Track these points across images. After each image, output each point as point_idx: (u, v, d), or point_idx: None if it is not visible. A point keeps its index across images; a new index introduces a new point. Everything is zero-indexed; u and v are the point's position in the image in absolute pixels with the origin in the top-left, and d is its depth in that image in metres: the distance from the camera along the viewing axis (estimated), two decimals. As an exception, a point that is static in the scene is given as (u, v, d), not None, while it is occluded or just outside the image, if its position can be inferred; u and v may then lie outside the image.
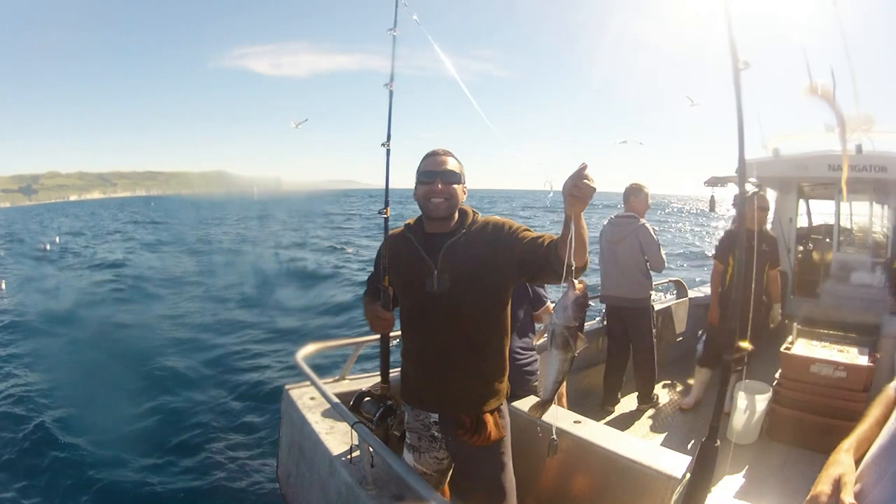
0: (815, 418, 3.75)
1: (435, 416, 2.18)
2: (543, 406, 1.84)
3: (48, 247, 23.74)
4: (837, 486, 1.09)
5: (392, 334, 2.44)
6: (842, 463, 1.14)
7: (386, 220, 2.42)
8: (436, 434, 2.20)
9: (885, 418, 1.21)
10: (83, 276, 15.76)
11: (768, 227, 6.72)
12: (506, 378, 2.21)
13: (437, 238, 2.09)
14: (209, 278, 15.36)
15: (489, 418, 2.14)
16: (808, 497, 1.11)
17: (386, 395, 2.37)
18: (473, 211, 2.17)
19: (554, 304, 1.68)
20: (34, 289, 14.01)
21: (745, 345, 1.31)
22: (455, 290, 2.01)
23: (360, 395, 2.36)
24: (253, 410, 6.23)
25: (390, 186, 2.59)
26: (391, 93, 2.48)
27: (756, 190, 4.48)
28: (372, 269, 2.40)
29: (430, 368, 2.13)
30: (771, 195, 6.78)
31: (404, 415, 2.30)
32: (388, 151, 2.52)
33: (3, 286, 15.58)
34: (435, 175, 2.05)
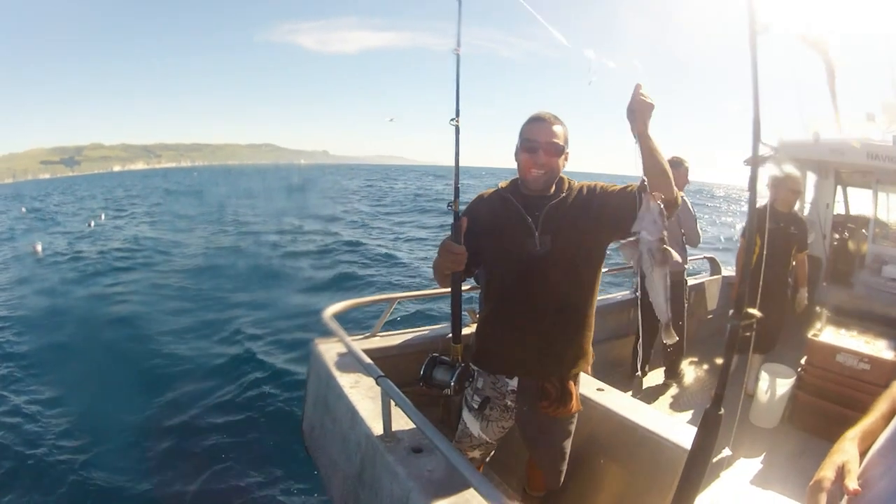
0: (836, 408, 3.72)
1: (513, 385, 2.18)
2: (669, 328, 1.80)
3: (92, 224, 23.62)
4: (841, 472, 1.10)
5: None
6: (846, 451, 1.15)
7: (455, 214, 2.10)
8: (509, 403, 2.21)
9: (891, 413, 1.22)
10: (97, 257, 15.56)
11: (805, 210, 6.62)
12: (591, 340, 2.24)
13: (537, 200, 2.08)
14: (233, 253, 15.44)
15: (573, 389, 2.19)
16: (812, 482, 1.11)
17: (457, 359, 2.25)
18: (568, 179, 2.16)
19: (638, 223, 1.66)
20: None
21: (754, 311, 1.32)
22: (556, 252, 2.02)
23: (431, 361, 2.21)
24: (277, 373, 6.40)
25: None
26: (458, 58, 2.17)
27: (773, 170, 4.42)
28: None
29: (521, 333, 2.11)
30: (810, 179, 6.66)
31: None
32: (458, 129, 2.19)
33: (40, 249, 15.89)
34: (539, 146, 2.01)
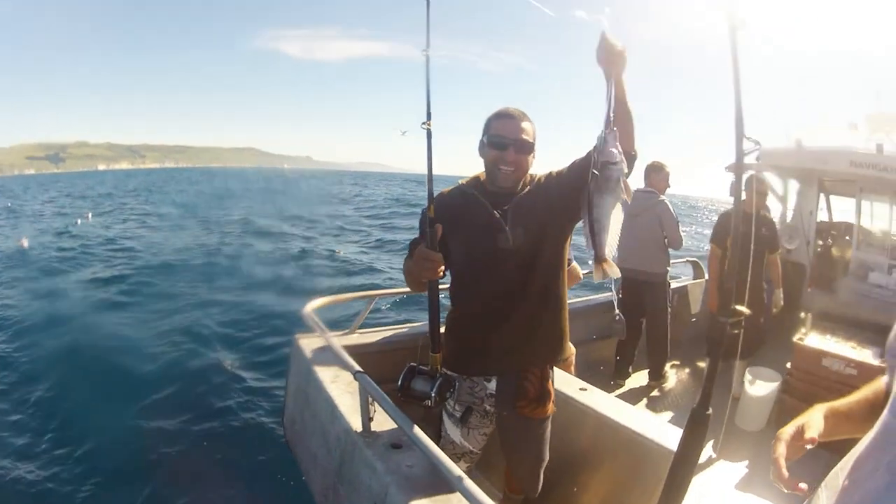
0: None
1: (491, 388, 2.14)
2: (609, 262, 1.69)
3: (79, 222, 22.81)
4: (801, 430, 1.19)
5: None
6: (809, 415, 1.25)
7: (431, 220, 1.95)
8: (488, 408, 2.17)
9: (868, 403, 1.25)
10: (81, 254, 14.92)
11: (788, 217, 6.68)
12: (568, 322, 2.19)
13: (503, 195, 2.03)
14: (210, 253, 14.73)
15: (551, 387, 2.17)
16: (775, 439, 1.21)
17: (437, 368, 2.10)
18: (531, 173, 2.11)
19: (600, 151, 1.62)
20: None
21: (742, 308, 1.30)
22: (528, 244, 1.99)
23: (409, 371, 2.06)
24: (260, 368, 6.33)
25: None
26: (428, 59, 2.06)
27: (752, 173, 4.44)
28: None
29: (501, 329, 2.06)
30: (793, 186, 6.72)
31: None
32: (430, 133, 2.07)
33: (26, 244, 15.59)
34: (509, 143, 1.95)
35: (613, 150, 1.60)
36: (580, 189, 1.77)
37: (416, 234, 2.15)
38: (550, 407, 2.19)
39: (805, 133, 6.14)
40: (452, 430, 2.23)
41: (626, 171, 1.63)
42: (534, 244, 2.00)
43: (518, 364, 2.12)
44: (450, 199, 2.12)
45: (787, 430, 1.21)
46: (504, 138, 1.96)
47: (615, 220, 1.66)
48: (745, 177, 4.21)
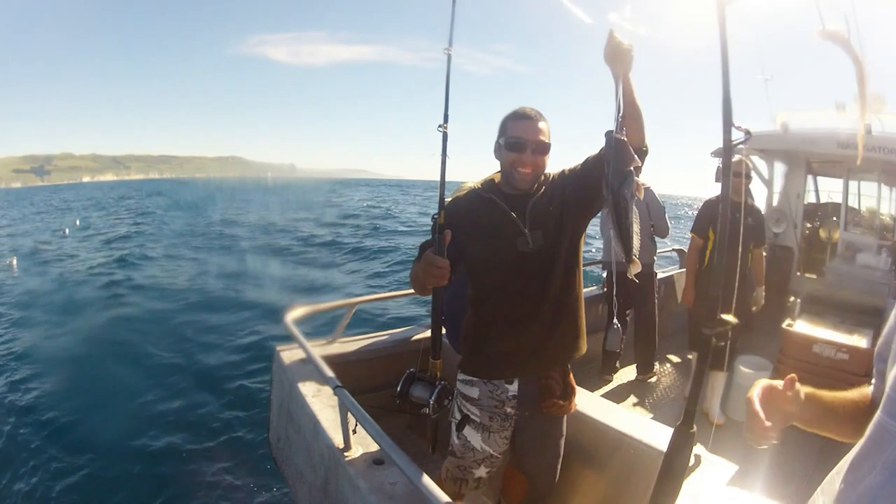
0: None
1: (513, 391, 2.10)
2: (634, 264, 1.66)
3: (68, 231, 23.58)
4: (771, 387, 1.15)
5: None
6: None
7: (440, 226, 1.89)
8: (509, 410, 2.12)
9: (851, 402, 1.21)
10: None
11: (775, 201, 6.63)
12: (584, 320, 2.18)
13: (520, 197, 2.00)
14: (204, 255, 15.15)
15: (573, 382, 2.17)
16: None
17: (436, 375, 2.14)
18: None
19: (614, 159, 1.57)
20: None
21: (730, 318, 1.23)
22: (549, 245, 1.96)
23: (409, 377, 2.09)
24: (248, 376, 6.27)
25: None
26: (449, 57, 2.01)
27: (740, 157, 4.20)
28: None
29: (522, 332, 2.03)
30: (779, 169, 6.67)
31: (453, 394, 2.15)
32: (445, 136, 2.03)
33: (15, 264, 15.60)
34: (527, 145, 1.93)
35: (628, 157, 1.56)
36: (595, 187, 1.75)
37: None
38: (574, 402, 2.18)
39: (792, 115, 6.09)
40: (472, 436, 2.16)
41: (639, 168, 1.60)
42: (552, 245, 1.98)
43: (540, 365, 2.10)
44: (467, 203, 2.08)
45: (761, 382, 1.16)
46: (522, 140, 1.93)
47: (636, 220, 1.63)
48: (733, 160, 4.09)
